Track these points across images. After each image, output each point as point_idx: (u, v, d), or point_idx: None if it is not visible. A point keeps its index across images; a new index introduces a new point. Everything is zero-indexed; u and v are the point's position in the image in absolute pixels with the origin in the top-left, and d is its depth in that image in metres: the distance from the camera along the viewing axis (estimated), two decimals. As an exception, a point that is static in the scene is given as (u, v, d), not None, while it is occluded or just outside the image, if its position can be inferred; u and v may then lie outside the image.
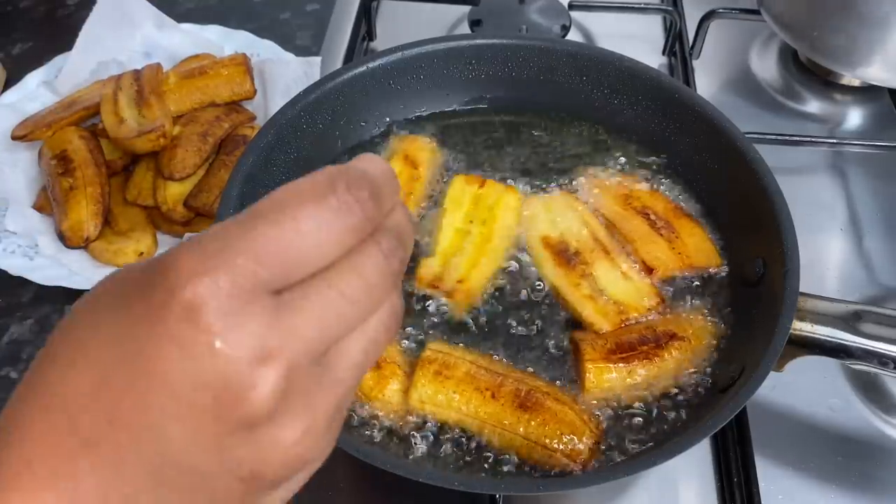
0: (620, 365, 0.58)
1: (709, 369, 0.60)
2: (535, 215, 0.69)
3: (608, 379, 0.58)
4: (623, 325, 0.61)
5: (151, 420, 0.26)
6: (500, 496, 0.54)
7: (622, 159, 0.74)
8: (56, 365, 0.28)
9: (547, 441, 0.54)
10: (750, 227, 0.64)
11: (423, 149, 0.73)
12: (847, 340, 0.55)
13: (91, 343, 0.27)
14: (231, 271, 0.26)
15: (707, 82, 0.96)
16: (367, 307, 0.28)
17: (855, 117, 0.93)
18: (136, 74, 0.82)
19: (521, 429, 0.54)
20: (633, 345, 0.59)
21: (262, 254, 0.26)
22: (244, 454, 0.27)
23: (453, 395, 0.55)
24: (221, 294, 0.25)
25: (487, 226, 0.67)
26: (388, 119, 0.75)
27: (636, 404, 0.58)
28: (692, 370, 0.60)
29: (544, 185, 0.72)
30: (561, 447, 0.54)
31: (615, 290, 0.63)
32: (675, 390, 0.59)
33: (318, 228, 0.27)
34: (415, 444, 0.56)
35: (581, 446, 0.54)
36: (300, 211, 0.27)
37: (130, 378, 0.26)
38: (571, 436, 0.54)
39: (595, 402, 0.58)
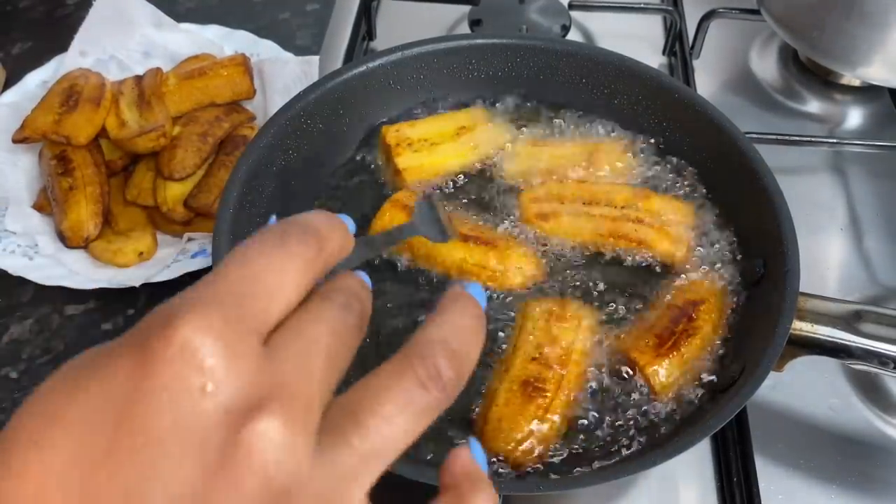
0: (673, 353, 0.58)
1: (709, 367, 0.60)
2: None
3: (671, 372, 0.58)
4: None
5: (131, 486, 0.23)
6: (500, 496, 0.53)
7: (621, 159, 0.74)
8: (18, 446, 0.24)
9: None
10: (750, 227, 0.64)
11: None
12: (847, 340, 0.55)
13: (67, 413, 0.24)
14: (222, 311, 0.25)
15: (707, 82, 0.96)
16: (337, 350, 0.28)
17: (855, 117, 0.93)
18: (138, 80, 0.82)
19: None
20: (670, 329, 0.60)
21: (243, 295, 0.26)
22: None
23: None
24: (215, 332, 0.24)
25: None
26: (387, 118, 0.75)
27: (702, 376, 0.59)
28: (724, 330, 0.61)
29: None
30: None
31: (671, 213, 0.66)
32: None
33: (280, 270, 0.27)
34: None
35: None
36: (261, 257, 0.27)
37: (112, 442, 0.23)
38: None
39: (667, 398, 0.58)
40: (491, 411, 0.56)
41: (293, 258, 0.28)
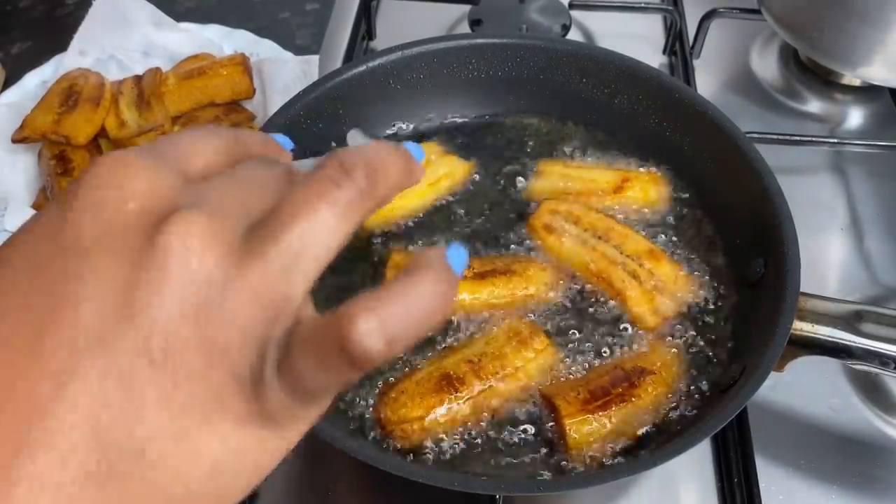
0: (599, 413, 0.56)
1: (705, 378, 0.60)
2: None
3: (590, 431, 0.56)
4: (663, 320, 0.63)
5: (67, 288, 0.25)
6: (499, 496, 0.53)
7: (622, 160, 0.74)
8: None
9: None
10: (750, 227, 0.64)
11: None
12: (848, 340, 0.55)
13: (16, 250, 0.26)
14: (140, 151, 0.28)
15: (707, 82, 0.95)
16: (256, 185, 0.29)
17: (855, 117, 0.93)
18: (137, 79, 0.82)
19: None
20: (606, 389, 0.57)
21: (162, 148, 0.29)
22: (147, 321, 0.24)
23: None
24: (134, 161, 0.27)
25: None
26: (387, 118, 0.75)
27: (620, 446, 0.56)
28: (669, 404, 0.59)
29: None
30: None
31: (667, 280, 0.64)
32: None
33: (196, 139, 0.31)
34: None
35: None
36: (179, 135, 0.31)
37: (47, 259, 0.25)
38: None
39: (580, 456, 0.56)
40: (402, 383, 0.58)
41: (207, 137, 0.31)
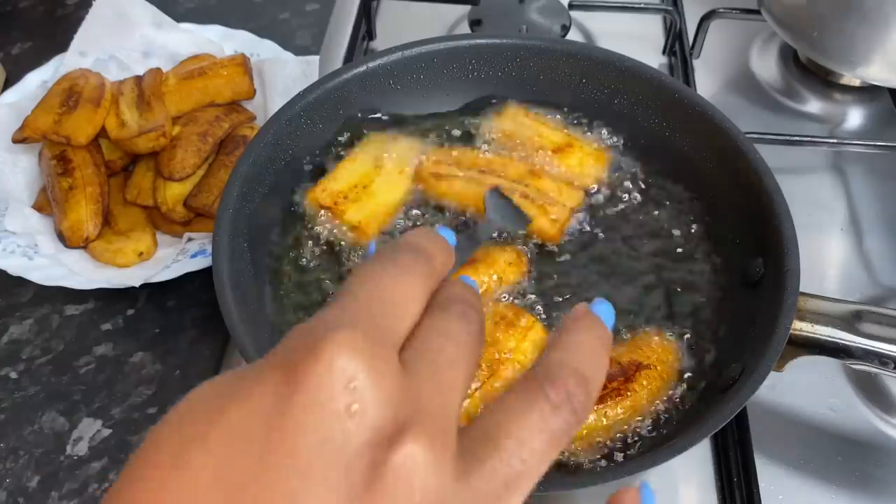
0: (595, 407, 0.55)
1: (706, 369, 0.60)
2: None
3: (586, 426, 0.56)
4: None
5: None
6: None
7: (620, 158, 0.74)
8: (159, 467, 0.23)
9: None
10: (750, 227, 0.64)
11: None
12: (847, 340, 0.55)
13: (209, 435, 0.23)
14: (363, 331, 0.25)
15: (707, 82, 0.96)
16: (463, 362, 0.28)
17: (855, 117, 0.93)
18: (138, 80, 0.82)
19: None
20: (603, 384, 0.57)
21: (376, 314, 0.27)
22: None
23: None
24: (361, 352, 0.24)
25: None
26: (387, 119, 0.75)
27: (616, 442, 0.56)
28: (667, 401, 0.59)
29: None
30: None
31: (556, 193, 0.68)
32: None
33: (402, 285, 0.29)
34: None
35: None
36: (384, 276, 0.28)
37: (258, 463, 0.23)
38: None
39: (578, 449, 0.56)
40: None
41: (411, 275, 0.29)
